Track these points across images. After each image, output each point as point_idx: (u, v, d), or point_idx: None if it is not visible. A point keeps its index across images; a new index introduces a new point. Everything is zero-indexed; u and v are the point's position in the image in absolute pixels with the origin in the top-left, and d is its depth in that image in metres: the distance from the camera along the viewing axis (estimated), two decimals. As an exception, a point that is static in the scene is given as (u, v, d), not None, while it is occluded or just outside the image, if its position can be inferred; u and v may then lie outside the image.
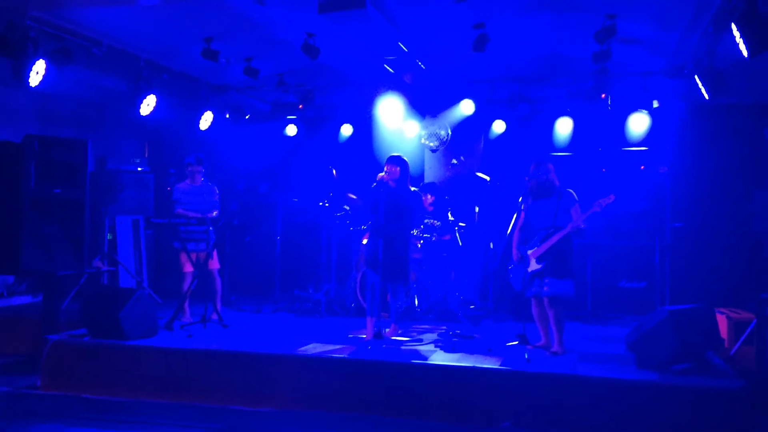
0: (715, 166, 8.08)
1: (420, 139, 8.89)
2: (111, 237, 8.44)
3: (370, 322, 6.30)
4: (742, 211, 7.52)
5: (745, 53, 4.70)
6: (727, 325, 6.39)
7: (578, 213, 5.74)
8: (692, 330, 5.25)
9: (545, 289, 5.74)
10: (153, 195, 8.96)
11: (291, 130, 9.36)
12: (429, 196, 8.04)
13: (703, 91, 6.37)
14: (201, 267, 6.98)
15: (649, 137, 8.13)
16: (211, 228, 6.98)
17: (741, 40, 4.67)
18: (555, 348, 5.82)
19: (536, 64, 7.79)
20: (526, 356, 5.45)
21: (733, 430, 4.57)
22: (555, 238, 5.71)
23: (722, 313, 6.50)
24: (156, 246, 9.26)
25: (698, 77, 6.41)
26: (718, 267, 7.79)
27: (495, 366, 5.28)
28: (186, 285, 7.10)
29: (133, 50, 7.16)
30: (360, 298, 7.66)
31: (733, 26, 4.72)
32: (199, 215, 7.01)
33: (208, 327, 6.69)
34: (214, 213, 7.24)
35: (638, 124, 8.09)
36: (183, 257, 7.11)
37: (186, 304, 7.14)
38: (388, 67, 7.64)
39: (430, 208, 8.07)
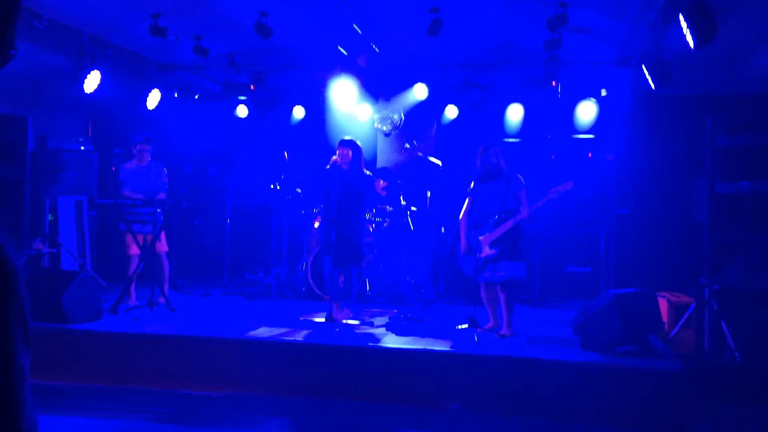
0: (660, 154, 8.32)
1: (373, 122, 8.86)
2: (52, 218, 8.16)
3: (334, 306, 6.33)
4: (684, 199, 7.77)
5: (691, 44, 4.82)
6: (667, 308, 6.62)
7: (525, 198, 5.86)
8: (635, 313, 5.42)
9: (500, 273, 5.83)
10: (97, 175, 8.70)
11: (242, 111, 9.19)
12: (382, 181, 8.06)
13: (650, 81, 6.52)
14: (147, 249, 6.82)
15: (597, 125, 8.31)
16: (158, 210, 6.82)
17: (688, 31, 4.78)
18: (504, 331, 5.93)
19: (489, 50, 7.84)
20: (476, 339, 5.52)
21: (673, 410, 4.75)
22: (509, 224, 5.80)
23: (663, 296, 6.72)
24: (100, 228, 9.01)
25: (645, 68, 6.55)
26: (660, 252, 8.05)
27: (445, 349, 5.34)
28: (132, 268, 6.93)
29: (76, 25, 6.87)
30: (311, 281, 7.62)
31: (681, 17, 4.84)
32: (147, 196, 6.83)
33: (155, 311, 6.55)
34: (162, 195, 7.06)
35: (587, 112, 8.27)
36: (128, 239, 6.92)
37: (132, 288, 6.95)
38: (341, 50, 7.56)
39: (383, 193, 8.08)
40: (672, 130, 8.26)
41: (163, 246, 7.11)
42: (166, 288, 7.13)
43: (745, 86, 7.84)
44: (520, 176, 5.97)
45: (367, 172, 6.52)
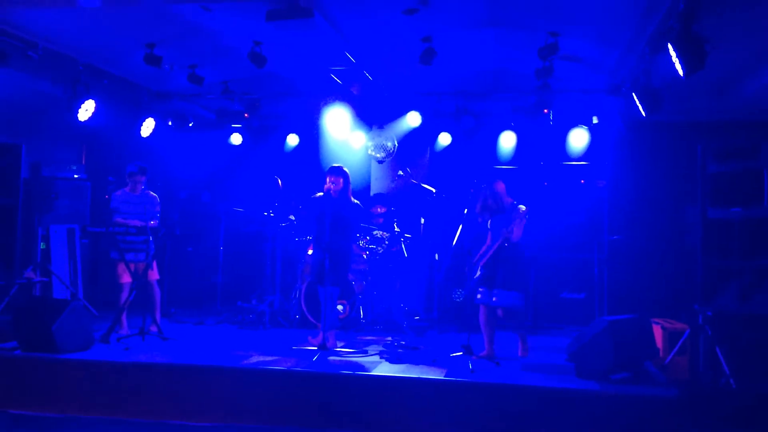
0: (651, 181, 8.37)
1: (367, 150, 8.89)
2: (44, 246, 8.10)
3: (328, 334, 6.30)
4: (676, 225, 7.80)
5: (681, 72, 4.87)
6: (661, 335, 6.58)
7: (514, 226, 6.01)
8: (630, 340, 5.41)
9: (494, 299, 6.04)
10: (90, 203, 8.66)
11: (236, 138, 9.23)
12: (380, 208, 8.07)
13: (640, 108, 6.58)
14: (140, 278, 6.78)
15: (589, 152, 8.37)
16: (150, 238, 6.78)
17: (677, 59, 4.84)
18: (522, 352, 6.21)
19: (482, 78, 7.93)
20: (471, 367, 5.49)
21: (669, 437, 4.71)
22: (491, 250, 6.05)
23: (657, 323, 6.69)
24: (92, 256, 8.95)
25: (635, 95, 6.62)
26: (653, 278, 8.04)
27: (440, 377, 5.30)
28: (123, 296, 6.88)
29: (71, 53, 6.92)
30: (305, 309, 7.58)
31: (670, 46, 4.90)
32: (139, 224, 6.80)
33: (146, 339, 6.49)
34: (154, 222, 7.03)
35: (578, 139, 8.33)
36: (120, 268, 6.89)
37: (123, 316, 6.90)
38: (335, 78, 7.63)
39: (380, 220, 8.08)
40: (663, 157, 8.31)
41: (154, 274, 7.07)
42: (158, 316, 7.07)
43: (735, 113, 7.93)
44: (522, 208, 6.15)
45: (355, 201, 6.54)
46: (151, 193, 7.17)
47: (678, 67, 4.88)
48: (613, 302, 7.84)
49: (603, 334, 5.34)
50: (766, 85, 6.75)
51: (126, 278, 6.89)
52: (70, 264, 8.50)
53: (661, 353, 6.32)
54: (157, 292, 7.12)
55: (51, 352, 5.72)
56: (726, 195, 5.70)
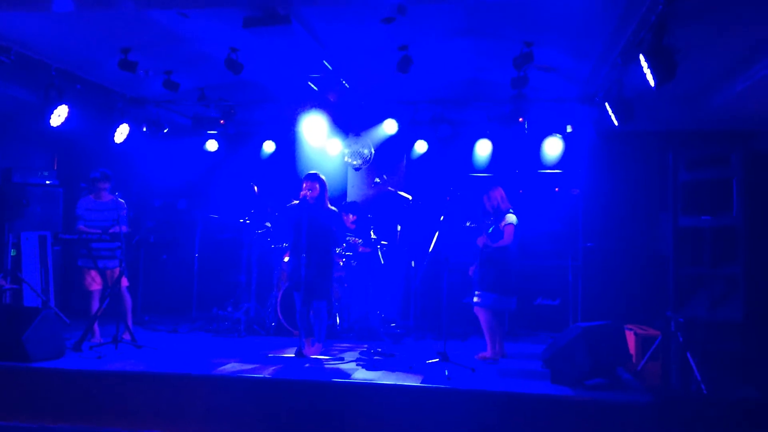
0: (625, 189, 8.50)
1: (343, 157, 8.91)
2: (15, 253, 7.97)
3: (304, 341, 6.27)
4: (649, 233, 7.92)
5: (652, 83, 4.97)
6: (634, 341, 6.68)
7: (504, 230, 6.34)
8: (603, 346, 5.49)
9: (473, 299, 6.43)
10: (62, 210, 8.56)
11: (212, 145, 9.17)
12: (351, 216, 8.08)
13: (613, 118, 6.69)
14: (114, 285, 6.69)
15: (563, 161, 8.47)
16: (121, 244, 6.67)
17: (649, 70, 4.94)
18: (487, 354, 6.38)
19: (458, 87, 7.99)
20: (447, 373, 5.51)
21: (642, 442, 4.77)
22: (481, 252, 6.37)
23: (630, 329, 6.79)
24: (64, 263, 8.82)
25: (608, 105, 6.73)
26: (626, 285, 8.16)
27: (416, 383, 5.31)
28: (93, 304, 6.79)
29: (44, 58, 6.82)
30: (281, 317, 7.54)
31: (642, 58, 5.00)
32: (104, 231, 6.70)
33: (120, 348, 6.40)
34: (124, 227, 6.93)
35: (553, 147, 8.44)
36: (89, 275, 6.81)
37: (96, 324, 6.81)
38: (312, 85, 7.63)
39: (352, 227, 8.08)
40: (635, 165, 8.45)
41: (124, 281, 6.98)
42: (130, 323, 6.98)
43: (706, 123, 8.09)
44: (510, 214, 6.46)
45: (332, 207, 6.53)
46: (118, 199, 7.02)
47: (649, 77, 4.98)
48: (587, 309, 7.92)
49: (577, 340, 5.40)
50: (735, 95, 6.90)
51: (95, 286, 6.81)
52: (42, 271, 8.37)
53: (634, 359, 6.42)
54: (127, 299, 7.03)
55: (22, 361, 5.62)
56: (697, 203, 5.81)
